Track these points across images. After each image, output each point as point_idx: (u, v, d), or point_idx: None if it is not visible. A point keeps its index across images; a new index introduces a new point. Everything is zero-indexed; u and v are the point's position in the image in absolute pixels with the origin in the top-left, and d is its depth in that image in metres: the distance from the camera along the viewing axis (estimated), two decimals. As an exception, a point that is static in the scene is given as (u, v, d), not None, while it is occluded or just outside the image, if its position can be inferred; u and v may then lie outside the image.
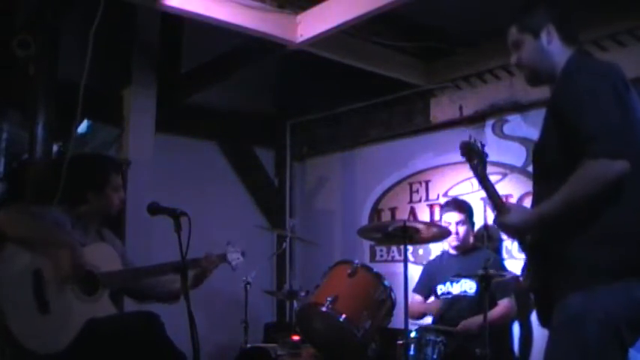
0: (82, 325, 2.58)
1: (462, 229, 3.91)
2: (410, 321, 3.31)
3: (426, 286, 4.05)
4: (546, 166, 2.12)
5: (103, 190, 2.89)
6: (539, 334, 3.44)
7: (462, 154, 2.21)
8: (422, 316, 3.99)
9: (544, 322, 2.11)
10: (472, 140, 2.21)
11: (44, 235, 2.64)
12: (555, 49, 2.16)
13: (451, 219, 3.93)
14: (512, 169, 4.22)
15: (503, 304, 3.73)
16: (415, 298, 4.00)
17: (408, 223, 3.39)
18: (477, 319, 3.51)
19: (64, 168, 3.05)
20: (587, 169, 1.90)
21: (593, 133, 1.90)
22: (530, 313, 3.93)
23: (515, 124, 4.23)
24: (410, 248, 3.92)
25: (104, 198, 2.90)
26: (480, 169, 2.18)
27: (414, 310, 3.79)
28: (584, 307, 1.90)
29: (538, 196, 2.11)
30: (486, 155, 2.21)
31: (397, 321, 3.36)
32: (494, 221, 2.18)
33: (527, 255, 2.22)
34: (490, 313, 3.43)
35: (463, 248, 3.97)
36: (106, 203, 2.91)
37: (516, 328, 4.00)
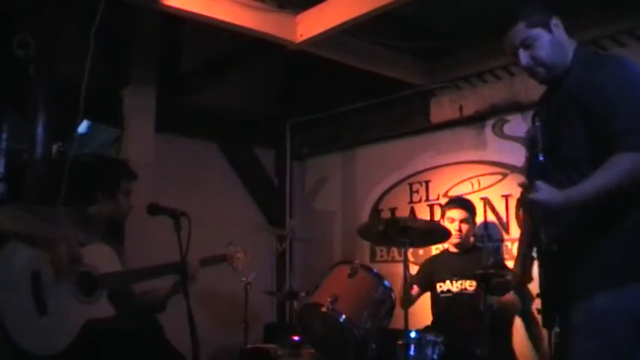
0: (80, 327, 2.56)
1: (464, 227, 3.92)
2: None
3: (422, 279, 4.04)
4: (565, 159, 2.06)
5: (114, 194, 2.91)
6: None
7: (526, 139, 2.15)
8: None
9: (548, 322, 2.08)
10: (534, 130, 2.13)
11: (41, 231, 2.61)
12: (564, 40, 2.13)
13: (455, 216, 3.94)
14: (512, 168, 4.22)
15: (508, 295, 3.69)
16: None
17: (405, 223, 3.37)
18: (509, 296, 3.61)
19: (67, 169, 3.05)
20: (620, 162, 1.88)
21: (626, 125, 1.88)
22: (531, 305, 3.91)
23: (515, 124, 4.22)
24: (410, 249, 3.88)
25: (114, 202, 2.91)
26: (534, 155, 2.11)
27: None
28: (612, 307, 1.88)
29: (558, 186, 2.03)
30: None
31: (397, 321, 3.35)
32: (522, 197, 2.12)
33: (538, 253, 2.16)
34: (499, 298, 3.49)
35: (464, 247, 3.98)
36: (115, 208, 2.92)
37: (520, 330, 3.98)
